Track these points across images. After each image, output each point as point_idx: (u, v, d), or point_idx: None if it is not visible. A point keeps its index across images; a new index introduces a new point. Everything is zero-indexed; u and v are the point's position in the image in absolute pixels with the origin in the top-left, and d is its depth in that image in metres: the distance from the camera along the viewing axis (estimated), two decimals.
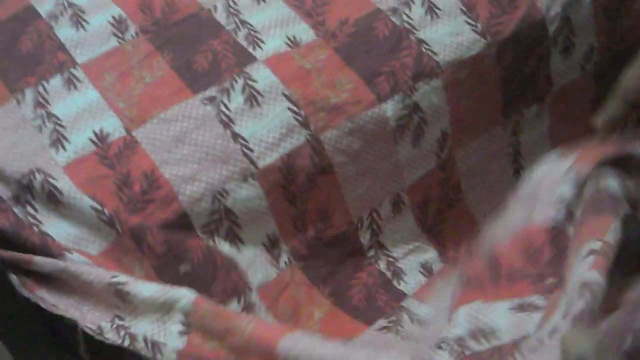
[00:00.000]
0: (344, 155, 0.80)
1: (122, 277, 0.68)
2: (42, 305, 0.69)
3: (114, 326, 0.67)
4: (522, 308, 0.70)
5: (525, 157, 0.92)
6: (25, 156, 0.76)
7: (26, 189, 0.74)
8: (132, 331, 0.66)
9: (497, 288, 0.72)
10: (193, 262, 0.75)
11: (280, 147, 0.78)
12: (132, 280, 0.67)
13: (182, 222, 0.75)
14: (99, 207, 0.73)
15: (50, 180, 0.73)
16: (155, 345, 0.65)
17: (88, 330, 0.67)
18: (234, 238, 0.77)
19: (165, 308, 0.66)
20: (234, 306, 0.76)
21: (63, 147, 0.77)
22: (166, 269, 0.74)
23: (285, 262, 0.80)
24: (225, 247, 0.77)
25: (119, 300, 0.67)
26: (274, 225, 0.79)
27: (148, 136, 0.77)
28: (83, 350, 0.70)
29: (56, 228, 0.73)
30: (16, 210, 0.73)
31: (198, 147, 0.77)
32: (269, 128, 0.78)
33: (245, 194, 0.77)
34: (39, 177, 0.74)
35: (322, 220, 0.81)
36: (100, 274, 0.68)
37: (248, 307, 0.76)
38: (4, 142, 0.77)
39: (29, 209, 0.73)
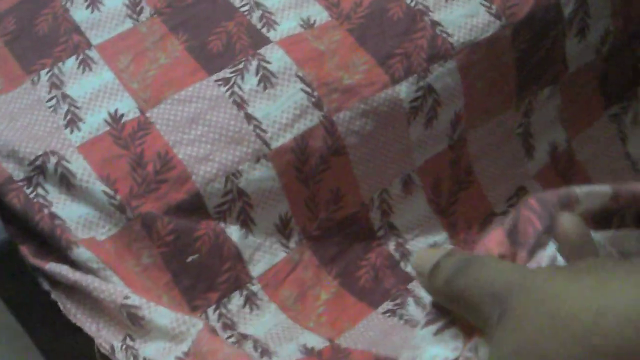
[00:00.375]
0: (357, 136, 0.80)
1: (135, 298, 0.68)
2: (62, 309, 0.70)
3: (124, 347, 0.68)
4: None
5: (536, 137, 0.91)
6: (40, 137, 0.76)
7: (39, 171, 0.74)
8: (138, 353, 0.67)
9: None
10: (200, 252, 0.75)
11: (293, 128, 0.78)
12: (145, 304, 0.68)
13: (195, 203, 0.75)
14: (110, 191, 0.73)
15: (64, 162, 0.74)
16: None
17: (102, 349, 0.68)
18: (245, 219, 0.78)
19: (178, 339, 0.67)
20: (236, 299, 0.76)
21: (78, 128, 0.77)
22: (174, 258, 0.74)
23: (296, 242, 0.80)
24: (235, 230, 0.77)
25: (131, 323, 0.68)
26: (287, 205, 0.79)
27: (162, 117, 0.77)
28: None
29: (67, 210, 0.74)
30: (27, 191, 0.74)
31: (212, 128, 0.77)
32: (283, 109, 0.78)
33: (258, 175, 0.77)
34: (53, 159, 0.74)
35: (333, 201, 0.81)
36: (112, 293, 0.68)
37: (250, 298, 0.77)
38: (19, 123, 0.78)
39: (40, 190, 0.74)
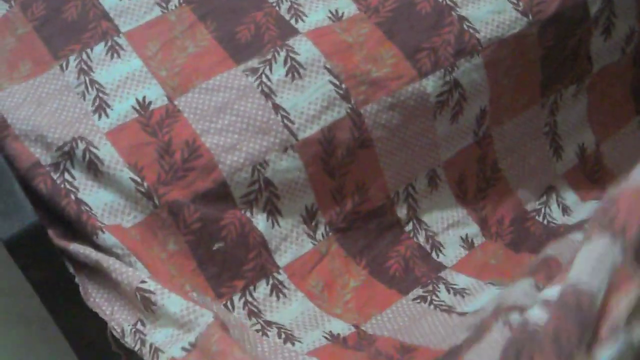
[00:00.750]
0: (384, 129, 0.80)
1: (151, 284, 0.68)
2: (82, 293, 0.70)
3: (133, 330, 0.68)
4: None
5: (563, 137, 0.92)
6: (69, 123, 0.77)
7: (67, 157, 0.75)
8: (145, 338, 0.68)
9: None
10: (226, 240, 0.76)
11: (320, 119, 0.78)
12: (160, 290, 0.68)
13: (221, 192, 0.76)
14: (138, 179, 0.74)
15: (92, 149, 0.74)
16: (155, 352, 0.66)
17: (113, 331, 0.69)
18: (272, 209, 0.78)
19: (186, 327, 0.67)
20: (262, 287, 0.77)
21: (106, 114, 0.77)
22: (200, 245, 0.75)
23: (323, 235, 0.81)
24: (262, 220, 0.78)
25: (143, 308, 0.69)
26: (313, 197, 0.79)
27: (190, 105, 0.78)
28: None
29: (93, 197, 0.74)
30: (54, 176, 0.74)
31: (239, 118, 0.77)
32: (310, 100, 0.78)
33: (285, 165, 0.77)
34: (81, 145, 0.75)
35: (359, 194, 0.82)
36: (130, 276, 0.69)
37: (276, 286, 0.77)
38: (47, 108, 0.78)
39: (67, 176, 0.74)
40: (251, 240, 0.77)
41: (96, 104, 0.78)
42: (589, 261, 0.49)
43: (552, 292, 0.54)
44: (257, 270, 0.77)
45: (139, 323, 0.69)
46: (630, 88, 0.92)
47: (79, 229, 0.73)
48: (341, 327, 0.76)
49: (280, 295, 0.77)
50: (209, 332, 0.66)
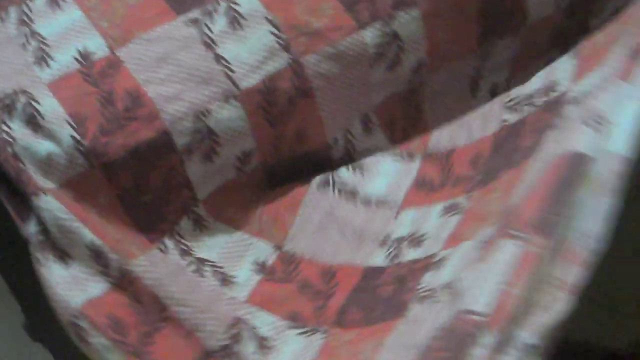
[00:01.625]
0: (324, 79, 0.82)
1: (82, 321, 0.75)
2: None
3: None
4: (448, 209, 0.77)
5: (485, 79, 0.94)
6: (10, 75, 0.77)
7: (6, 109, 0.75)
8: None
9: (441, 192, 0.77)
10: (153, 189, 0.78)
11: (262, 69, 0.80)
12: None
13: (163, 140, 0.77)
14: (78, 136, 0.75)
15: (33, 103, 0.75)
16: None
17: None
18: (210, 153, 0.80)
19: None
20: (184, 222, 0.80)
21: (47, 65, 0.78)
22: (129, 198, 0.78)
23: (252, 169, 0.84)
24: (196, 162, 0.80)
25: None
26: (253, 144, 0.81)
27: (132, 56, 0.78)
28: None
29: (31, 150, 0.75)
30: None
31: (181, 68, 0.78)
32: (251, 51, 0.80)
33: (227, 115, 0.79)
34: (22, 98, 0.75)
35: (298, 141, 0.84)
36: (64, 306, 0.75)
37: (197, 220, 0.81)
38: None
39: (4, 126, 0.75)
40: (174, 182, 0.79)
41: (37, 55, 0.78)
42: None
43: None
44: (179, 208, 0.80)
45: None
46: (552, 36, 0.95)
47: (19, 187, 0.74)
48: (264, 252, 0.81)
49: (203, 228, 0.81)
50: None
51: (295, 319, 0.77)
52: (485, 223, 0.65)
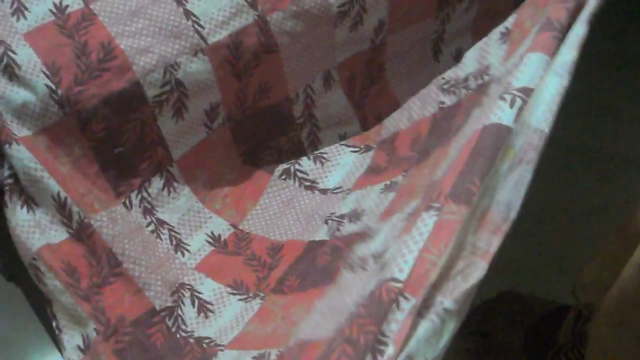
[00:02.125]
0: (288, 36, 0.86)
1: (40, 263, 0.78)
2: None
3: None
4: (388, 187, 0.82)
5: (447, 43, 1.00)
6: None
7: None
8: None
9: (385, 174, 0.83)
10: (126, 144, 0.83)
11: (229, 25, 0.84)
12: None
13: (135, 91, 0.81)
14: (53, 85, 0.78)
15: (10, 53, 0.78)
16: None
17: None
18: (180, 107, 0.84)
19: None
20: (156, 182, 0.86)
21: (24, 16, 0.81)
22: (102, 150, 0.82)
23: (219, 124, 0.88)
24: (167, 118, 0.84)
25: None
26: (219, 96, 0.86)
27: (105, 9, 0.82)
28: None
29: (5, 97, 0.78)
30: None
31: (152, 22, 0.82)
32: (220, 7, 0.84)
33: (195, 68, 0.83)
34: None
35: (261, 92, 0.89)
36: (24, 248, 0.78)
37: (169, 180, 0.86)
38: None
39: None
40: (149, 139, 0.83)
41: (14, 6, 0.81)
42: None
43: None
44: (152, 166, 0.84)
45: None
46: (512, 2, 0.99)
47: None
48: (221, 227, 0.86)
49: (171, 190, 0.86)
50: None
51: (237, 287, 0.82)
52: (413, 197, 0.69)
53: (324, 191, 0.90)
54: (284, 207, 0.89)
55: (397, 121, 0.89)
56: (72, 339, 0.77)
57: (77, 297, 0.77)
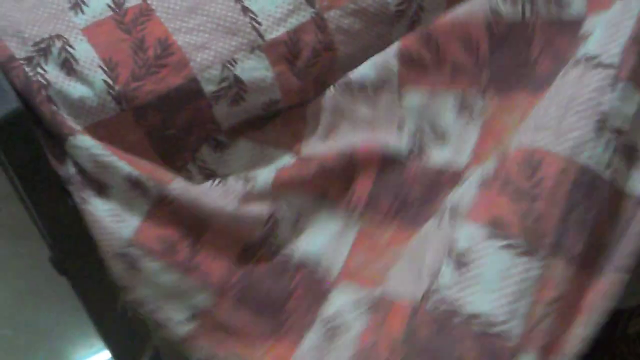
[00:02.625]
0: (345, 34, 0.85)
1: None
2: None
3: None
4: (463, 107, 0.84)
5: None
6: (46, 20, 0.80)
7: (42, 52, 0.79)
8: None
9: (441, 75, 0.85)
10: (177, 127, 0.83)
11: (287, 22, 0.83)
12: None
13: (192, 87, 0.81)
14: (110, 81, 0.78)
15: (68, 47, 0.78)
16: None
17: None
18: (238, 100, 0.84)
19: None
20: (205, 149, 0.86)
21: (82, 11, 0.81)
22: (155, 134, 0.82)
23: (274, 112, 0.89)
24: (223, 106, 0.84)
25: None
26: (279, 94, 0.85)
27: (162, 5, 0.82)
28: None
29: (64, 93, 0.78)
30: (27, 69, 0.78)
31: (210, 18, 0.82)
32: (277, 4, 0.83)
33: (253, 65, 0.83)
34: (58, 43, 0.79)
35: (315, 93, 0.89)
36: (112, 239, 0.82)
37: (216, 145, 0.86)
38: (26, 4, 0.82)
39: (39, 69, 0.78)
40: (200, 120, 0.84)
41: (72, 1, 0.82)
42: None
43: None
44: (201, 138, 0.85)
45: None
46: None
47: (54, 129, 0.78)
48: (284, 158, 0.89)
49: (224, 148, 0.87)
50: None
51: (324, 197, 0.86)
52: (497, 147, 0.75)
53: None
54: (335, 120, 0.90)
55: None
56: (175, 314, 0.83)
57: (177, 273, 0.81)
